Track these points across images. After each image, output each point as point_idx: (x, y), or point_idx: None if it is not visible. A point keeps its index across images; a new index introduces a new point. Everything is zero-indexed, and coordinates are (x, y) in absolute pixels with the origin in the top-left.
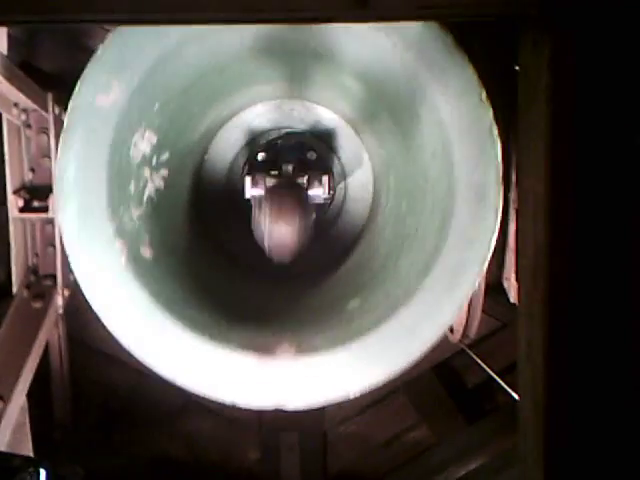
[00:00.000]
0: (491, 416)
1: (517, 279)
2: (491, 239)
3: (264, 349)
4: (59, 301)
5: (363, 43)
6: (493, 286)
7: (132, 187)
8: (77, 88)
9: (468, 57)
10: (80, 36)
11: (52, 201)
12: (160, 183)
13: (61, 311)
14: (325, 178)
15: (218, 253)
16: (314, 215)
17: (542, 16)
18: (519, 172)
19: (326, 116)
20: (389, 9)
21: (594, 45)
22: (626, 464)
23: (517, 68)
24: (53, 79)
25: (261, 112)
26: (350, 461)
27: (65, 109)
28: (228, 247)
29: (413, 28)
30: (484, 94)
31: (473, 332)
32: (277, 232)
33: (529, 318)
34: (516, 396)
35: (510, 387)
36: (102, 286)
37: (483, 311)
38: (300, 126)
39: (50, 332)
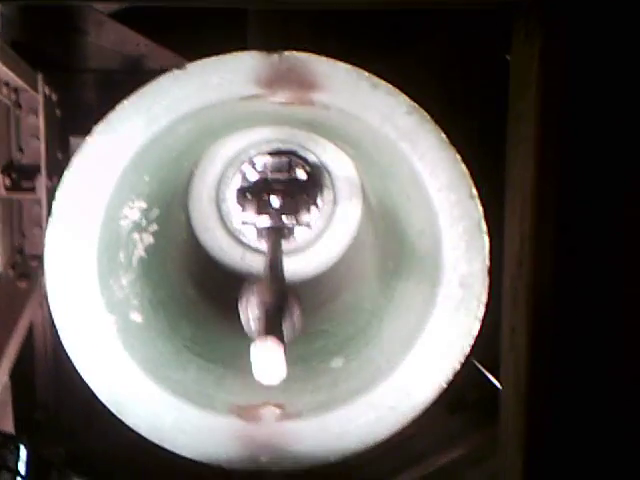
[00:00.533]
0: (473, 407)
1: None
2: (473, 327)
3: (249, 414)
4: (44, 282)
5: (355, 127)
6: None
7: (122, 256)
8: (65, 176)
9: (460, 156)
10: (71, 16)
11: (40, 181)
12: (150, 239)
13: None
14: (314, 208)
15: (208, 301)
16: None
17: (534, 5)
18: (507, 161)
19: (326, 143)
20: None
21: (585, 34)
22: (606, 452)
23: (508, 58)
24: (44, 59)
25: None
26: None
27: (55, 90)
28: (217, 292)
29: (406, 122)
30: (474, 190)
31: None
32: (263, 360)
33: (513, 305)
34: (498, 384)
35: (493, 377)
36: (93, 360)
37: None
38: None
39: (35, 312)
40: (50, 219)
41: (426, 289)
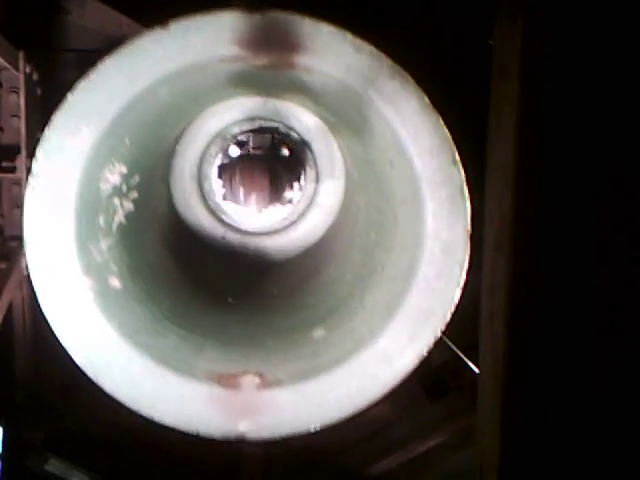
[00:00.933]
0: (453, 394)
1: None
2: (455, 293)
3: (228, 381)
4: (24, 263)
5: (338, 91)
6: None
7: (101, 219)
8: (45, 134)
9: (443, 120)
10: None
11: (20, 161)
12: (130, 206)
13: (26, 273)
14: (296, 184)
15: (188, 274)
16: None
17: None
18: (489, 145)
19: (302, 112)
20: None
21: (568, 19)
22: (584, 439)
23: (491, 43)
24: (26, 38)
25: (233, 104)
26: (312, 436)
27: (36, 69)
28: (197, 266)
29: (389, 86)
30: (457, 156)
31: None
32: (250, 181)
33: (492, 290)
34: (477, 370)
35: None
36: (70, 321)
37: None
38: (274, 118)
39: (14, 294)
40: (30, 177)
41: (408, 257)
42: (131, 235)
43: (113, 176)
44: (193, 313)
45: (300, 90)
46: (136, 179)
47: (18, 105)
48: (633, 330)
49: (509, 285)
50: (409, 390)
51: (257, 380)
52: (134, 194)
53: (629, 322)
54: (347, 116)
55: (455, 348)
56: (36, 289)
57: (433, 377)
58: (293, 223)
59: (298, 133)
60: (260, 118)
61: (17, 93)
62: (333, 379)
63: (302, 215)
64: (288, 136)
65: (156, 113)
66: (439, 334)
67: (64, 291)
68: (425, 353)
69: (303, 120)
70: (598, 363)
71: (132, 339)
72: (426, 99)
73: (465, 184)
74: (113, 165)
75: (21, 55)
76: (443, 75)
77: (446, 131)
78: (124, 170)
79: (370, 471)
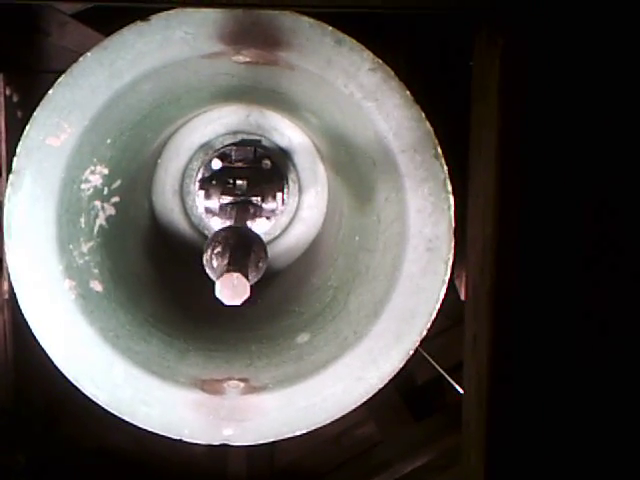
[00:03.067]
0: (439, 414)
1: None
2: (440, 290)
3: (212, 387)
4: (5, 286)
5: (320, 88)
6: None
7: (83, 221)
8: (26, 131)
9: (425, 114)
10: (33, 16)
11: (1, 184)
12: (111, 210)
13: (7, 296)
14: (279, 195)
15: (170, 281)
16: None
17: (496, 11)
18: (469, 170)
19: (284, 125)
20: None
21: (546, 40)
22: (568, 461)
23: (471, 64)
24: (5, 60)
25: (215, 118)
26: (297, 456)
27: (16, 91)
28: (180, 275)
29: (371, 80)
30: (439, 149)
31: None
32: (228, 280)
33: (475, 313)
34: (462, 391)
35: (459, 385)
36: (50, 325)
37: None
38: (256, 132)
39: None
40: (10, 176)
41: (392, 257)
42: (112, 239)
43: (94, 177)
44: (176, 319)
45: (281, 89)
46: (117, 182)
47: None
48: (619, 351)
49: (492, 309)
50: (395, 410)
51: (241, 385)
52: (115, 198)
53: (615, 344)
54: (329, 116)
55: (440, 368)
56: (16, 291)
57: (418, 396)
58: (276, 238)
59: (280, 146)
60: (242, 132)
61: None
62: (318, 382)
63: (285, 230)
64: (270, 149)
65: (138, 113)
66: (424, 332)
67: (45, 293)
68: (411, 352)
69: (285, 133)
70: (584, 384)
71: (114, 343)
72: (407, 92)
73: (448, 178)
74: (95, 165)
75: (1, 77)
76: (423, 96)
77: (428, 124)
78: (105, 171)
79: None
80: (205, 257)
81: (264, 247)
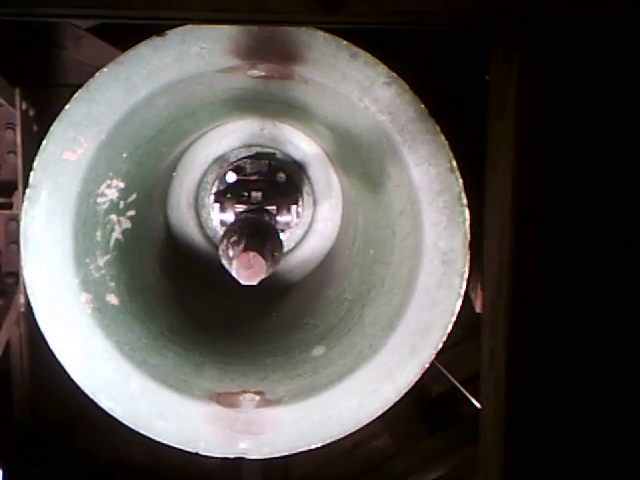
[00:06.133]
0: (454, 426)
1: (482, 290)
2: (456, 303)
3: (228, 400)
4: (21, 299)
5: (334, 102)
6: None
7: (99, 235)
8: (43, 145)
9: (440, 127)
10: (49, 31)
11: (17, 198)
12: (127, 224)
13: (23, 309)
14: (294, 207)
15: (186, 294)
16: (282, 245)
17: (512, 27)
18: (486, 184)
19: (298, 138)
20: (356, 14)
21: (563, 55)
22: (586, 473)
23: (487, 78)
24: (21, 74)
25: (230, 131)
26: (312, 468)
27: (32, 105)
28: (195, 288)
29: (385, 93)
30: (454, 163)
31: None
32: (245, 259)
33: (492, 327)
34: (479, 405)
35: (474, 397)
36: (67, 339)
37: None
38: (271, 145)
39: (11, 330)
40: (27, 190)
41: (407, 270)
42: (128, 253)
43: (110, 191)
44: (191, 332)
45: (296, 102)
46: (133, 196)
47: (15, 142)
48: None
49: (509, 323)
50: (409, 423)
51: (257, 398)
52: (131, 211)
53: (635, 358)
54: (344, 129)
55: (456, 382)
56: (33, 304)
57: (433, 409)
58: (290, 251)
59: (295, 159)
60: (257, 145)
61: (14, 129)
62: (334, 396)
63: (299, 242)
64: (285, 162)
65: (153, 127)
66: (440, 345)
67: (61, 307)
68: (427, 365)
69: (300, 146)
70: (603, 399)
71: (130, 357)
72: (422, 105)
73: (463, 191)
74: (111, 179)
75: (17, 92)
76: (440, 112)
77: (443, 138)
78: (121, 185)
79: None
80: (221, 247)
81: (279, 238)
